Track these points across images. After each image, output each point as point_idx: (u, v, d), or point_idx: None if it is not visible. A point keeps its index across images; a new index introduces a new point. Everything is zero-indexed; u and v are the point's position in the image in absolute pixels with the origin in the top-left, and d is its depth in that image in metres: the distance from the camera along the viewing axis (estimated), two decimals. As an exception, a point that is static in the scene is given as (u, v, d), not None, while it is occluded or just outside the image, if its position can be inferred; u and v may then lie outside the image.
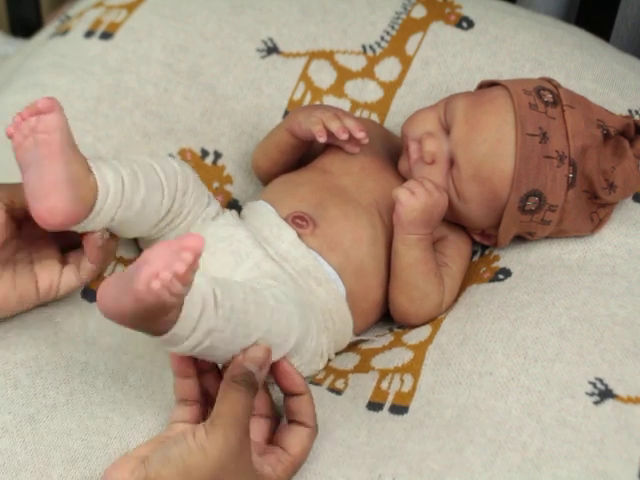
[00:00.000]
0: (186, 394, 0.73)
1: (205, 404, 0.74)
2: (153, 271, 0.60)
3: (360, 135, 0.88)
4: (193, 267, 0.61)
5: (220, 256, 0.81)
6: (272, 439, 0.74)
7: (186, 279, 0.61)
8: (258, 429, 0.74)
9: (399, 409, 0.79)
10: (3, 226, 0.75)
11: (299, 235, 0.84)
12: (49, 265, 0.80)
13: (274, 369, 0.74)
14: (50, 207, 0.72)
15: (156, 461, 0.65)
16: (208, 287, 0.67)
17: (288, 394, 0.74)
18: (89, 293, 0.85)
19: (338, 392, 0.82)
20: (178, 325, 0.65)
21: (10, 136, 0.73)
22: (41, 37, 1.11)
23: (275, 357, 0.74)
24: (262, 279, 0.79)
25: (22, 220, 0.77)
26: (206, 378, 0.74)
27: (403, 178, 0.90)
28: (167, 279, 0.60)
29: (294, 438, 0.72)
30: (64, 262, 0.81)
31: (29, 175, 0.73)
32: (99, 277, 0.85)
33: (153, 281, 0.60)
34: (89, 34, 1.03)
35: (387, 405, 0.79)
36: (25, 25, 1.33)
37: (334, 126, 0.87)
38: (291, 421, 0.74)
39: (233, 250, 0.82)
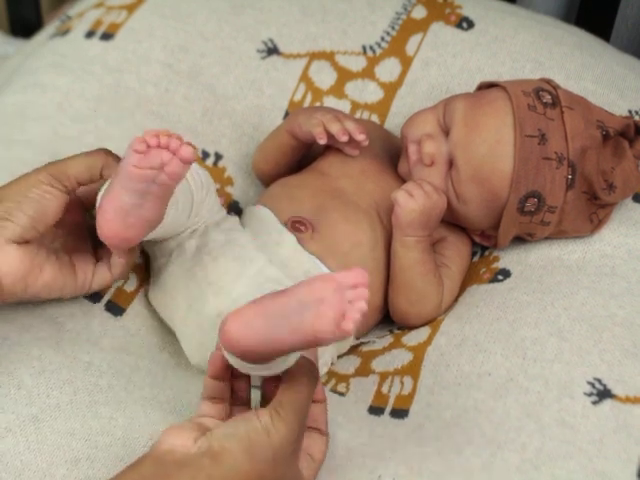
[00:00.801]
0: (215, 393, 0.72)
1: (231, 404, 0.74)
2: (340, 312, 0.61)
3: (360, 137, 0.88)
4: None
5: (223, 262, 0.81)
6: None
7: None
8: None
9: (400, 413, 0.79)
10: (60, 208, 0.75)
11: (298, 240, 0.85)
12: (84, 258, 0.80)
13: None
14: (127, 237, 0.72)
15: (221, 435, 0.65)
16: None
17: None
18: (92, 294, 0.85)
19: (340, 395, 0.82)
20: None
21: (138, 151, 0.67)
22: (41, 37, 1.11)
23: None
24: (265, 284, 0.79)
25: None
26: (237, 381, 0.74)
27: (403, 180, 0.90)
28: (358, 318, 0.61)
29: (316, 446, 0.72)
30: (97, 258, 0.82)
31: (126, 197, 0.70)
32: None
33: (343, 322, 0.61)
34: (89, 34, 1.03)
35: (388, 409, 0.79)
36: (25, 25, 1.32)
37: (334, 128, 0.87)
38: (308, 428, 0.73)
39: (236, 256, 0.82)
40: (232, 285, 0.80)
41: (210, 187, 0.83)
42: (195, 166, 0.80)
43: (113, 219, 0.71)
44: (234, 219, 0.88)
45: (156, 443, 0.66)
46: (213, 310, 0.80)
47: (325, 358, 0.83)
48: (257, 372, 0.69)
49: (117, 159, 0.78)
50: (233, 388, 0.73)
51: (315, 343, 0.63)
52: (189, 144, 0.68)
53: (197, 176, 0.80)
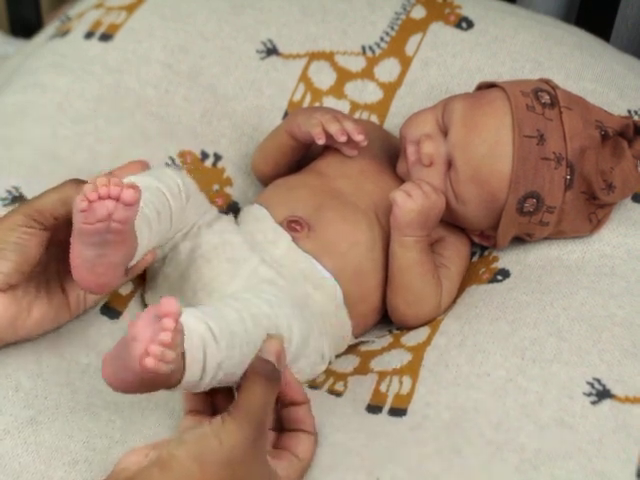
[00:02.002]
0: (196, 406, 0.73)
1: (213, 415, 0.73)
2: (142, 349, 0.61)
3: (359, 138, 0.88)
4: (178, 331, 0.62)
5: (216, 264, 0.82)
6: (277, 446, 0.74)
7: (175, 344, 0.62)
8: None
9: (398, 412, 0.79)
10: (42, 246, 0.75)
11: (294, 239, 0.84)
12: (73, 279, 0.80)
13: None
14: (103, 283, 0.72)
15: (170, 444, 0.65)
16: (201, 325, 0.67)
17: (288, 404, 0.74)
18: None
19: (338, 394, 0.83)
20: (188, 374, 0.66)
21: (82, 210, 0.68)
22: (41, 38, 1.11)
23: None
24: (259, 284, 0.79)
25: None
26: (216, 394, 0.74)
27: (402, 180, 0.90)
28: (158, 353, 0.61)
29: (303, 445, 0.72)
30: None
31: (88, 251, 0.70)
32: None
33: (145, 359, 0.61)
34: (89, 35, 1.02)
35: (386, 408, 0.79)
36: (25, 25, 1.32)
37: (333, 128, 0.87)
38: (293, 430, 0.73)
39: (229, 257, 0.82)
40: (226, 287, 0.80)
41: (191, 191, 0.82)
42: (170, 173, 0.81)
43: (83, 273, 0.72)
44: (228, 218, 0.88)
45: (115, 465, 0.67)
46: None
47: (312, 358, 0.82)
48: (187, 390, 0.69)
49: None
50: (214, 400, 0.73)
51: (147, 380, 0.63)
52: (131, 186, 0.68)
53: (174, 185, 0.80)
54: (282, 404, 0.74)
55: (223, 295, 0.79)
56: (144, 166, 0.82)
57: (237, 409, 0.66)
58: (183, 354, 0.65)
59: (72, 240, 0.71)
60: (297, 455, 0.72)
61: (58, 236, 0.76)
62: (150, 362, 0.61)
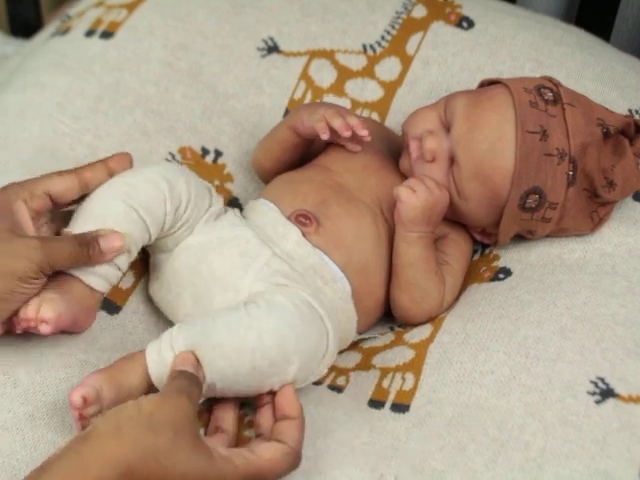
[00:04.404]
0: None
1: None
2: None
3: (363, 132, 0.87)
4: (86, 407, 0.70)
5: (229, 258, 0.81)
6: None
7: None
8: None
9: (400, 407, 0.78)
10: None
11: (303, 234, 0.84)
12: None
13: (277, 392, 0.75)
14: (81, 328, 0.82)
15: (97, 419, 0.67)
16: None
17: (281, 417, 0.74)
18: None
19: (339, 389, 0.82)
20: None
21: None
22: (41, 37, 1.11)
23: (285, 361, 0.74)
24: (273, 276, 0.80)
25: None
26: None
27: (404, 176, 0.90)
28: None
29: (266, 448, 0.71)
30: None
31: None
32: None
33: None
34: (89, 33, 1.02)
35: (388, 403, 0.79)
36: (25, 25, 1.32)
37: (337, 123, 0.87)
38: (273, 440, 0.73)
39: (241, 252, 0.82)
40: (240, 281, 0.80)
41: (192, 190, 0.82)
42: (173, 167, 0.84)
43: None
44: (235, 213, 0.87)
45: None
46: (221, 306, 0.80)
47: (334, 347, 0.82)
48: None
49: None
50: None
51: None
52: (44, 320, 0.74)
53: (173, 178, 0.82)
54: (276, 417, 0.74)
55: (238, 292, 0.80)
56: (130, 160, 0.83)
57: (165, 387, 0.69)
58: None
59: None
60: (255, 452, 0.70)
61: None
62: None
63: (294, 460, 0.71)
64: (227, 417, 0.76)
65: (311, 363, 0.77)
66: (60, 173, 0.79)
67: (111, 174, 0.81)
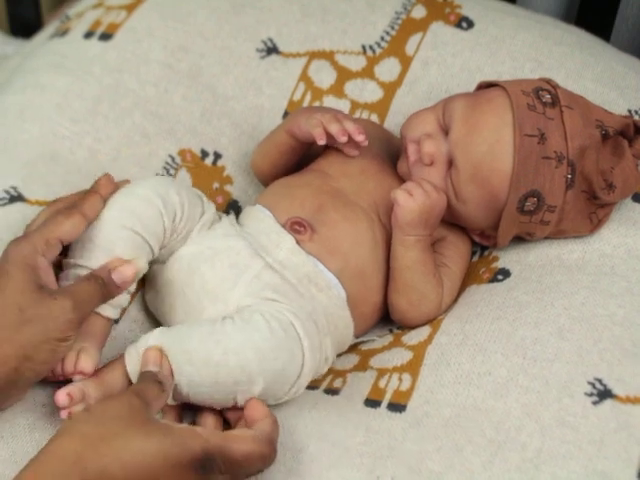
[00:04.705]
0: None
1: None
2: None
3: (359, 138, 0.87)
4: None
5: (219, 269, 0.82)
6: None
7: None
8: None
9: (397, 407, 0.79)
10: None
11: (297, 242, 0.84)
12: None
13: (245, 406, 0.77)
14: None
15: None
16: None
17: (252, 424, 0.76)
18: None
19: (335, 392, 0.82)
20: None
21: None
22: (41, 38, 1.11)
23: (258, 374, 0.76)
24: (262, 291, 0.80)
25: None
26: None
27: (402, 179, 0.90)
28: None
29: (236, 430, 0.74)
30: None
31: None
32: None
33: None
34: (88, 35, 1.02)
35: (385, 403, 0.79)
36: (25, 25, 1.32)
37: (333, 128, 0.87)
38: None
39: (232, 263, 0.82)
40: (229, 293, 0.81)
41: (184, 202, 0.83)
42: (165, 182, 0.85)
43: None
44: (229, 219, 0.87)
45: None
46: (211, 318, 0.80)
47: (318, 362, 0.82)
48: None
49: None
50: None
51: None
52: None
53: (167, 195, 0.82)
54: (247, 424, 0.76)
55: (226, 305, 0.81)
56: (112, 180, 0.83)
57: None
58: None
59: None
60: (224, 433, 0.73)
61: None
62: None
63: (265, 447, 0.72)
64: (208, 423, 0.77)
65: (280, 385, 0.78)
66: (67, 215, 0.78)
67: (105, 201, 0.81)
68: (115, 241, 0.80)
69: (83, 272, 0.79)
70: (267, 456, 0.72)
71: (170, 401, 0.76)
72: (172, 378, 0.75)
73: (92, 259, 0.79)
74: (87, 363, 0.76)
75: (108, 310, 0.80)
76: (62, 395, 0.73)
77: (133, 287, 0.82)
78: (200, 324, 0.78)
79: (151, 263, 0.84)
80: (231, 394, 0.77)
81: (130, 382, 0.77)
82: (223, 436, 0.71)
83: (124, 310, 0.85)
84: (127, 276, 0.78)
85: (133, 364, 0.77)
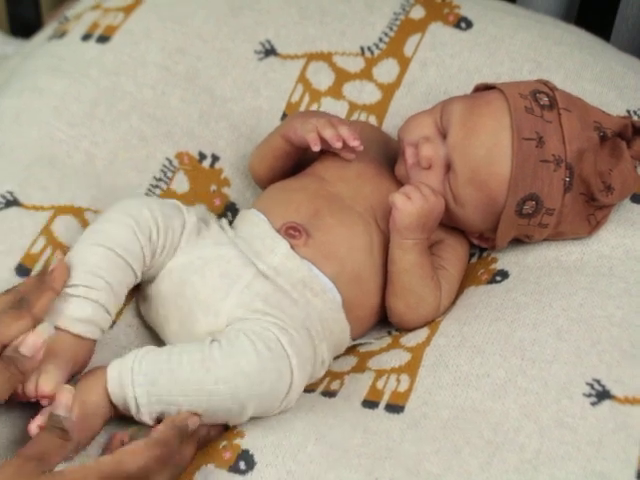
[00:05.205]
0: None
1: None
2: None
3: (354, 143, 0.87)
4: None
5: (210, 279, 0.81)
6: None
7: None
8: None
9: (395, 408, 0.79)
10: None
11: (292, 246, 0.84)
12: None
13: None
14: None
15: None
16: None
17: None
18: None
19: (332, 394, 0.83)
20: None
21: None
22: (40, 38, 1.11)
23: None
24: (252, 302, 0.80)
25: None
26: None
27: (400, 183, 0.90)
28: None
29: (128, 446, 0.72)
30: None
31: None
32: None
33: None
34: (86, 37, 1.02)
35: (382, 404, 0.79)
36: (25, 25, 1.33)
37: (328, 134, 0.87)
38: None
39: (222, 272, 0.82)
40: (221, 303, 0.81)
41: (158, 220, 0.82)
42: (138, 202, 0.83)
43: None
44: (218, 225, 0.87)
45: None
46: (203, 329, 0.80)
47: (314, 367, 0.83)
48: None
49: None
50: None
51: None
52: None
53: (141, 217, 0.82)
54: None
55: (218, 316, 0.80)
56: (66, 268, 0.79)
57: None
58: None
59: None
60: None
61: None
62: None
63: (158, 450, 0.71)
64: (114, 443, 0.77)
65: (270, 402, 0.78)
66: (16, 317, 0.75)
67: (57, 294, 0.78)
68: (88, 258, 0.79)
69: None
70: (164, 456, 0.71)
71: (150, 422, 0.76)
72: (82, 422, 0.74)
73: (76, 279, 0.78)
74: (46, 384, 0.73)
75: (78, 326, 0.77)
76: (33, 428, 0.72)
77: (113, 308, 0.80)
78: (188, 350, 0.77)
79: (142, 279, 0.84)
80: (221, 418, 0.77)
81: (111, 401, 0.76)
82: (116, 458, 0.70)
83: (120, 311, 0.85)
84: (36, 344, 0.73)
85: (116, 387, 0.75)
